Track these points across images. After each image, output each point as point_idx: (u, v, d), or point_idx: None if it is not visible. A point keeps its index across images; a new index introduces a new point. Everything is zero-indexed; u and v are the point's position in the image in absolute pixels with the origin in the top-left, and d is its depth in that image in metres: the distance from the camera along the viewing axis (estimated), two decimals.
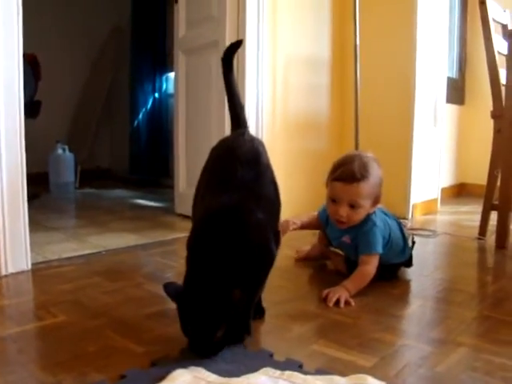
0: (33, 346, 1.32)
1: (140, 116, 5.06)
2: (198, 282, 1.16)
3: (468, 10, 4.65)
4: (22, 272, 1.90)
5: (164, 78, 4.97)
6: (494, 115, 2.59)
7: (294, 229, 2.00)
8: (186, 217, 2.88)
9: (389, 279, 1.86)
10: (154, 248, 2.34)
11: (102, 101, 4.95)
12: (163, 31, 4.83)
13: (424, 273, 2.01)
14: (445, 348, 1.28)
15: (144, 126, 5.05)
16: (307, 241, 2.27)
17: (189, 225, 1.36)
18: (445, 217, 3.42)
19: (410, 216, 3.22)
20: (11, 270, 1.87)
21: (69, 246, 2.32)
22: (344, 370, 1.12)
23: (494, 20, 2.64)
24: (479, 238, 2.60)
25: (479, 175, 2.93)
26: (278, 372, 1.07)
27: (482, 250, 2.49)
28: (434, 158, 3.58)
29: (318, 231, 2.11)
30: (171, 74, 4.53)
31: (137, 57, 5.10)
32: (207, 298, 1.12)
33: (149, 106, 5.01)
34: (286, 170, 3.04)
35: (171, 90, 4.60)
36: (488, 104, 2.63)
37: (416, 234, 2.70)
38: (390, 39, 3.27)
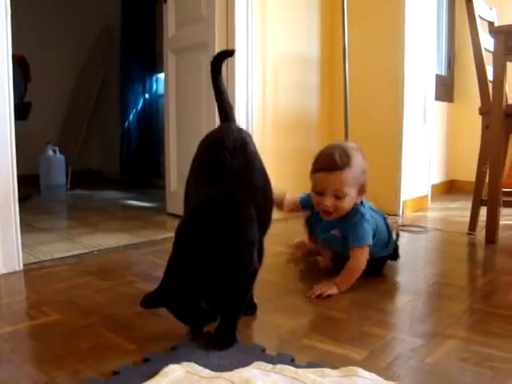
0: (25, 344, 1.32)
1: (130, 117, 5.06)
2: (176, 280, 1.19)
3: (456, 8, 4.69)
4: (14, 272, 1.90)
5: (154, 78, 4.97)
6: (482, 112, 2.62)
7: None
8: (177, 216, 2.88)
9: (376, 274, 1.88)
10: (146, 247, 2.34)
11: (93, 102, 4.95)
12: (153, 31, 4.84)
13: (415, 268, 2.03)
14: (435, 340, 1.30)
15: (135, 126, 5.06)
16: (296, 234, 2.29)
17: None
18: (435, 213, 3.45)
19: (400, 213, 3.24)
20: (3, 270, 1.88)
21: (60, 247, 2.32)
22: (335, 363, 1.13)
23: (480, 17, 2.67)
24: (469, 233, 2.62)
25: (469, 172, 2.96)
26: (270, 366, 1.08)
27: (471, 244, 2.52)
28: (424, 155, 3.60)
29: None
30: (161, 75, 4.53)
31: (127, 57, 5.10)
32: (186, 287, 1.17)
33: (139, 106, 5.01)
34: (276, 169, 3.04)
35: (161, 90, 4.60)
36: (477, 101, 2.65)
37: (407, 231, 2.73)
38: (378, 38, 3.30)
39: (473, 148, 2.74)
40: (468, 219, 2.67)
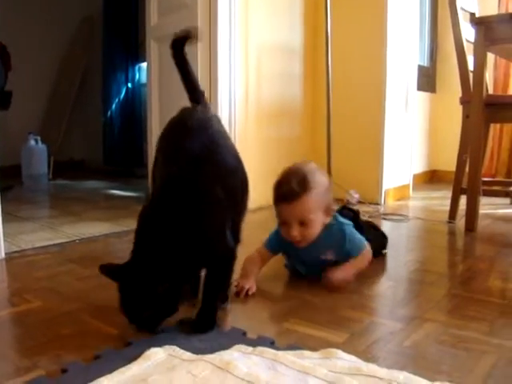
0: (7, 331, 1.32)
1: (113, 106, 5.04)
2: (138, 265, 1.18)
3: None
4: None
5: (137, 67, 4.95)
6: (463, 101, 2.65)
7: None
8: None
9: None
10: (128, 236, 2.32)
11: (75, 91, 4.90)
12: (135, 20, 4.81)
13: (396, 255, 2.06)
14: (414, 324, 1.32)
15: (117, 116, 5.03)
16: None
17: None
18: (416, 202, 3.49)
19: (382, 201, 3.27)
20: None
21: (42, 236, 2.31)
22: (315, 346, 1.14)
23: (462, 8, 2.69)
24: (449, 222, 2.66)
25: (450, 162, 2.99)
26: (251, 348, 1.09)
27: (451, 232, 2.55)
28: (406, 145, 3.63)
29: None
30: (144, 64, 4.50)
31: (109, 46, 5.06)
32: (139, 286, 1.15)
33: (122, 96, 4.98)
34: (259, 158, 3.07)
35: (144, 79, 4.57)
36: (458, 92, 2.68)
37: (389, 219, 2.76)
38: (361, 28, 3.31)
39: (454, 139, 2.77)
40: (448, 208, 2.71)
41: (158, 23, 3.10)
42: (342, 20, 3.27)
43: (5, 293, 1.61)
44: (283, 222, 1.63)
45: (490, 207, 3.05)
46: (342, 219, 1.72)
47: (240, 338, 1.18)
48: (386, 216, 2.85)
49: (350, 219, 1.78)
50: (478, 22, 2.43)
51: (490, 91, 3.24)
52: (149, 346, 1.09)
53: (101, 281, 1.66)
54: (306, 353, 1.08)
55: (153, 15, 3.13)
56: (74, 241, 2.24)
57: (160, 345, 1.11)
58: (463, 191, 2.58)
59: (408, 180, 3.68)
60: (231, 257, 1.29)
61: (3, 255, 1.93)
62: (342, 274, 1.60)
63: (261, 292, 1.57)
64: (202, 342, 1.16)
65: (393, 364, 1.08)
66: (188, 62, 1.52)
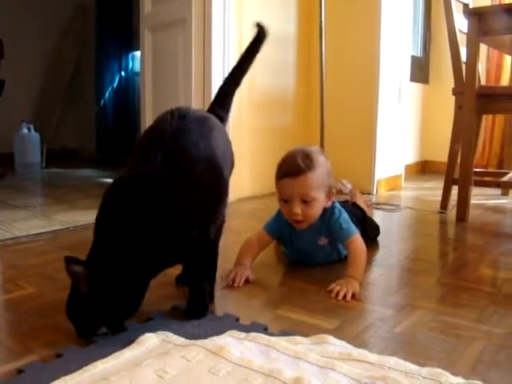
0: (1, 316, 1.32)
1: (106, 95, 5.02)
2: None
3: None
4: None
5: (130, 56, 4.93)
6: (456, 92, 2.66)
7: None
8: None
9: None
10: None
11: (68, 79, 4.88)
12: (129, 8, 4.78)
13: (387, 244, 2.08)
14: (404, 311, 1.34)
15: (111, 104, 5.02)
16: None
17: None
18: (408, 192, 3.51)
19: (374, 191, 3.29)
20: None
21: (36, 223, 2.32)
22: (307, 332, 1.16)
23: None
24: (441, 212, 2.68)
25: (442, 153, 3.00)
26: (244, 334, 1.11)
27: (443, 222, 2.57)
28: (399, 135, 3.65)
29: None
30: (138, 53, 4.49)
31: (102, 35, 5.04)
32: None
33: (115, 84, 4.97)
34: (252, 147, 3.08)
35: (138, 68, 4.56)
36: (451, 83, 2.69)
37: (380, 209, 2.78)
38: (355, 17, 3.31)
39: (447, 129, 2.79)
40: (440, 198, 2.73)
41: (152, 11, 3.09)
42: (336, 9, 3.27)
43: None
44: (285, 200, 1.62)
45: (481, 198, 3.08)
46: (337, 205, 1.73)
47: (233, 323, 1.20)
48: (378, 206, 2.86)
49: (358, 218, 1.84)
50: (472, 13, 2.44)
51: (483, 82, 3.25)
52: (143, 332, 1.11)
53: None
54: (299, 338, 1.10)
55: (147, 3, 3.11)
56: (68, 228, 2.24)
57: (153, 330, 1.12)
58: (455, 182, 2.60)
59: (400, 170, 3.70)
60: (206, 244, 1.26)
61: None
62: (353, 287, 1.49)
63: (255, 279, 1.58)
64: (195, 327, 1.17)
65: (383, 350, 1.10)
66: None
